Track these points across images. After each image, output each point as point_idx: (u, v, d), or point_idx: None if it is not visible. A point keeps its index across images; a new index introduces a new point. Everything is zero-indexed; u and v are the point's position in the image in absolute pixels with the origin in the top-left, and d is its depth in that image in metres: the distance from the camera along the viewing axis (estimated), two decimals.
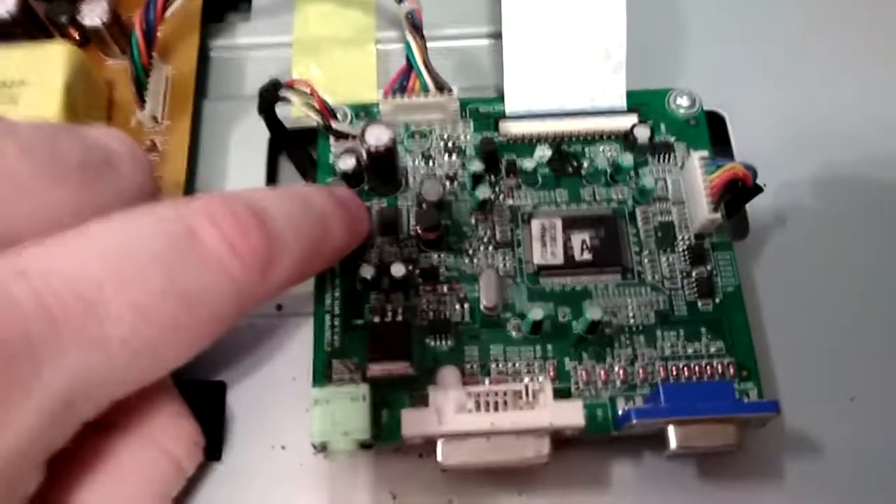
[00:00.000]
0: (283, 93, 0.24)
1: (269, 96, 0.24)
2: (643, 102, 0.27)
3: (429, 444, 0.21)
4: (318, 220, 0.20)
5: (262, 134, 0.28)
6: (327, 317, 0.23)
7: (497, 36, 0.30)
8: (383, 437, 0.22)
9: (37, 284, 0.14)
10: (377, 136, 0.22)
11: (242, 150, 0.28)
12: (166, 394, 0.20)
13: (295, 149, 0.27)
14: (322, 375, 0.23)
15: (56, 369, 0.14)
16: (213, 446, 0.23)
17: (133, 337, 0.15)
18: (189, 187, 0.27)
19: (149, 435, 0.18)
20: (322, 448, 0.21)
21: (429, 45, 0.25)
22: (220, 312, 0.17)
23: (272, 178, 0.29)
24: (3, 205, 0.16)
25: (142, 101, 0.26)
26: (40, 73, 0.24)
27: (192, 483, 0.22)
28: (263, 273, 0.17)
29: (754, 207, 0.27)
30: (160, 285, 0.15)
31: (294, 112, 0.27)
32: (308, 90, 0.24)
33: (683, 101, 0.27)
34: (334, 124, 0.24)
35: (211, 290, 0.17)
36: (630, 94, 0.27)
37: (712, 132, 0.27)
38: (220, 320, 0.17)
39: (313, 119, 0.24)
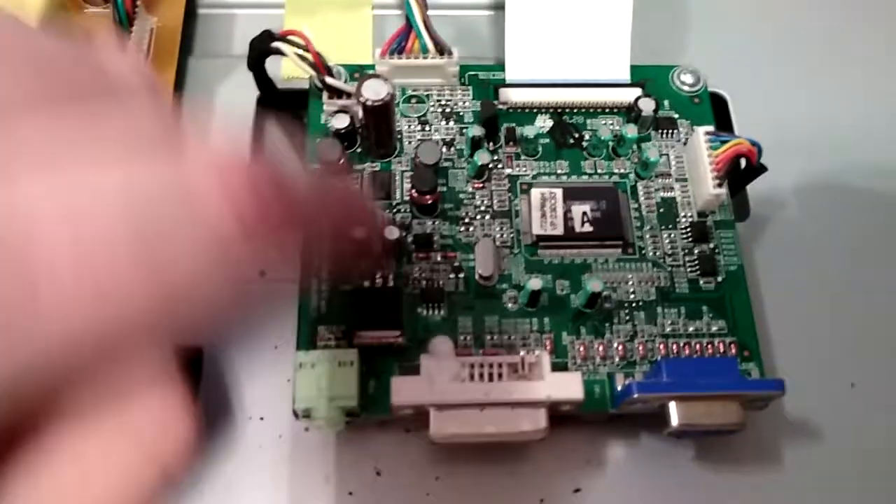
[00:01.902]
0: (276, 44, 0.22)
1: (261, 47, 0.23)
2: (647, 77, 0.26)
3: (417, 418, 0.20)
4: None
5: (249, 95, 0.27)
6: (314, 281, 0.22)
7: (497, 7, 0.29)
8: (370, 407, 0.20)
9: None
10: (375, 90, 0.21)
11: (228, 111, 0.27)
12: (160, 379, 0.14)
13: (284, 110, 0.26)
14: (307, 342, 0.21)
15: None
16: None
17: None
18: None
19: (123, 425, 0.13)
20: (305, 415, 0.20)
21: (428, 12, 0.24)
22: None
23: (258, 140, 0.27)
24: None
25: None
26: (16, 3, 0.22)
27: None
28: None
29: (755, 190, 0.26)
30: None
31: (285, 70, 0.26)
32: (303, 42, 0.22)
33: (687, 78, 0.26)
34: (329, 79, 0.23)
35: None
36: (633, 69, 0.26)
37: (713, 115, 0.26)
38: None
39: (307, 72, 0.23)
